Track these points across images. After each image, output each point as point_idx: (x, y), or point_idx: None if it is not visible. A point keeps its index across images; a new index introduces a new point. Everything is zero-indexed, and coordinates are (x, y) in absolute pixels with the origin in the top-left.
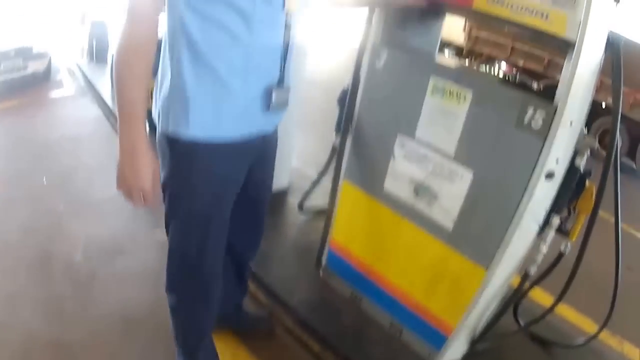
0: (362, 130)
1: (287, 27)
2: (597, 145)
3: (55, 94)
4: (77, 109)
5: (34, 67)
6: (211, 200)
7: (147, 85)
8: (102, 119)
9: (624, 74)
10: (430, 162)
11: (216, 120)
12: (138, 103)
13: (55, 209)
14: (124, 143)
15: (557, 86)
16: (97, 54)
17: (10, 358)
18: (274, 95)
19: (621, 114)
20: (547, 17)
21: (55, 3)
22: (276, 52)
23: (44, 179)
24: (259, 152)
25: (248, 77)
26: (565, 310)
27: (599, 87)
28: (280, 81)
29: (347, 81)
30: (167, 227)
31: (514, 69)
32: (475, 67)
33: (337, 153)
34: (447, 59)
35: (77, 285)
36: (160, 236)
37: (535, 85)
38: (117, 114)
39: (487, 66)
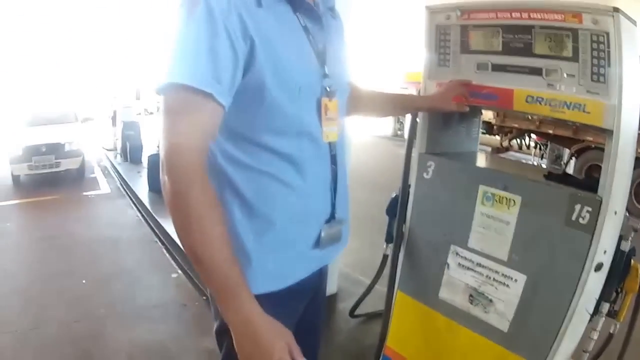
0: (414, 241)
1: (333, 158)
2: (639, 226)
3: (90, 192)
4: (114, 209)
5: (67, 164)
6: None
7: (225, 233)
8: (140, 221)
9: None
10: (484, 269)
11: (279, 271)
12: (226, 268)
13: (96, 312)
14: (235, 321)
15: (588, 148)
16: (131, 155)
17: None
18: (322, 232)
19: None
20: (584, 108)
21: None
22: (326, 187)
23: (84, 281)
24: (317, 285)
25: (308, 222)
26: None
27: None
28: (332, 216)
29: (387, 185)
30: None
31: (544, 138)
32: (506, 143)
33: (390, 264)
34: (490, 157)
35: None
36: (208, 344)
37: (566, 154)
38: (206, 284)
39: (518, 141)
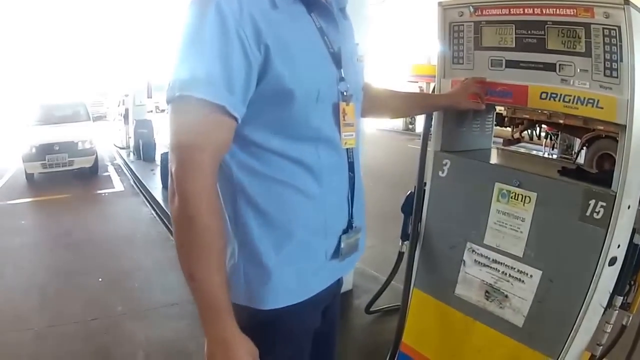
0: (430, 238)
1: (350, 165)
2: None
3: (103, 190)
4: (128, 207)
5: (80, 163)
6: (296, 357)
7: (222, 260)
8: (155, 219)
9: None
10: (500, 265)
11: (299, 284)
12: (217, 291)
13: (113, 309)
14: (213, 336)
15: (599, 137)
16: (144, 153)
17: None
18: (342, 243)
19: None
20: (597, 104)
21: (97, 100)
22: (344, 196)
23: (100, 279)
24: (335, 291)
25: (326, 232)
26: None
27: None
28: (349, 226)
29: (399, 181)
30: None
31: (555, 128)
32: (518, 135)
33: (407, 262)
34: (503, 154)
35: None
36: None
37: (577, 144)
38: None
39: (529, 132)
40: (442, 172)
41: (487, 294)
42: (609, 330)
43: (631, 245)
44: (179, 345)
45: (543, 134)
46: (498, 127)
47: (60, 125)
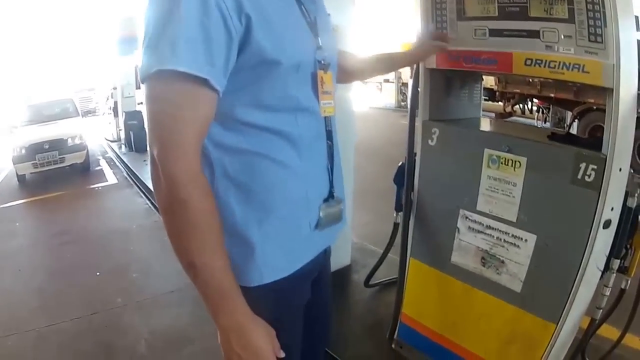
0: (423, 207)
1: (328, 133)
2: None
3: (97, 185)
4: (123, 199)
5: (72, 159)
6: (289, 332)
7: (222, 241)
8: (150, 209)
9: None
10: (494, 231)
11: (284, 258)
12: (221, 275)
13: (112, 303)
14: (225, 324)
15: (590, 110)
16: (136, 144)
17: None
18: (322, 212)
19: None
20: (583, 69)
21: (86, 96)
22: (323, 165)
23: (98, 273)
24: (322, 263)
25: (308, 203)
26: (630, 339)
27: None
28: (330, 195)
29: (393, 155)
30: None
31: (546, 102)
32: (509, 109)
33: (401, 232)
34: (492, 122)
35: None
36: None
37: (569, 116)
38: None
39: (521, 106)
40: (432, 141)
41: (483, 261)
42: (607, 293)
43: (625, 208)
44: (180, 332)
45: (535, 108)
46: (490, 102)
47: (49, 124)
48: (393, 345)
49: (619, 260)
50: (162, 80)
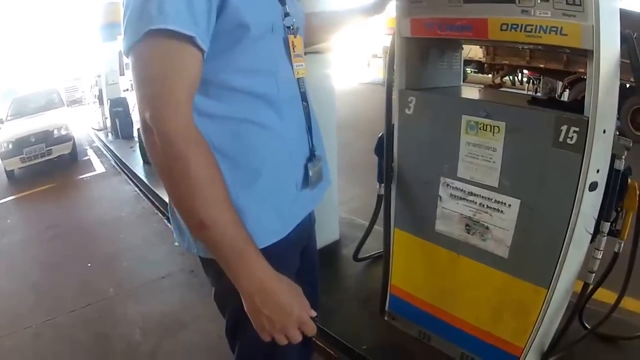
0: (404, 177)
1: (303, 95)
2: (630, 144)
3: (85, 175)
4: (111, 187)
5: (59, 150)
6: None
7: (227, 194)
8: (139, 196)
9: None
10: (476, 197)
11: (275, 221)
12: (235, 231)
13: (106, 292)
14: (247, 285)
15: (580, 79)
16: (122, 132)
17: None
18: (310, 171)
19: None
20: (561, 31)
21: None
22: (302, 125)
23: (89, 264)
24: (309, 231)
25: (292, 163)
26: (628, 302)
27: (621, 69)
28: (312, 155)
29: (377, 127)
30: (230, 337)
31: (536, 73)
32: (498, 80)
33: (384, 203)
34: (473, 89)
35: None
36: None
37: (559, 86)
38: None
39: (510, 77)
40: (409, 110)
41: (467, 227)
42: (599, 257)
43: (612, 171)
44: (173, 317)
45: (525, 79)
46: (479, 75)
47: (35, 116)
48: (385, 318)
49: (609, 224)
50: (150, 42)
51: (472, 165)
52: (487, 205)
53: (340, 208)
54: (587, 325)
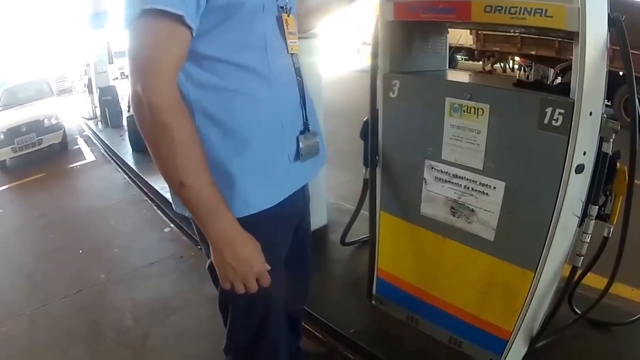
0: (389, 161)
1: (297, 70)
2: (618, 127)
3: (75, 164)
4: (101, 176)
5: (49, 140)
6: (273, 269)
7: (205, 161)
8: (128, 184)
9: (634, 37)
10: (461, 180)
11: (265, 189)
12: (210, 190)
13: (97, 279)
14: (217, 239)
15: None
16: (111, 120)
17: None
18: (301, 143)
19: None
20: (546, 13)
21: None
22: (295, 99)
23: (80, 251)
24: (302, 208)
25: (283, 134)
26: (618, 288)
27: (613, 57)
28: (306, 128)
29: (366, 114)
30: (222, 304)
31: (528, 60)
32: (489, 67)
33: (369, 186)
34: (459, 73)
35: (132, 349)
36: (209, 291)
37: (551, 74)
38: (186, 209)
39: (502, 64)
40: (393, 93)
41: (452, 210)
42: (587, 240)
43: (600, 154)
44: (163, 302)
45: (516, 66)
46: (470, 62)
47: (25, 106)
48: (373, 302)
49: (597, 207)
50: (143, 21)
51: (457, 147)
52: (472, 188)
53: (328, 194)
54: (577, 310)
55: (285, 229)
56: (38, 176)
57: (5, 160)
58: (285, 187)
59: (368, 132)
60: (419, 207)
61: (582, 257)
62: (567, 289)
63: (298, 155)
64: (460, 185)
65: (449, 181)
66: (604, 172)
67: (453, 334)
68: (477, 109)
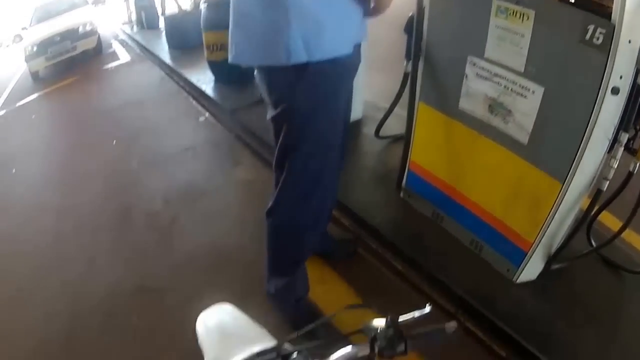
0: (432, 54)
1: None
2: None
3: (110, 65)
4: (137, 74)
5: (84, 46)
6: (337, 117)
7: None
8: (164, 79)
9: None
10: (502, 79)
11: (349, 39)
12: None
13: (130, 167)
14: None
15: None
16: (147, 23)
17: (98, 305)
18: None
19: None
20: None
21: None
22: None
23: (114, 142)
24: (358, 64)
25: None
26: (633, 237)
27: None
28: None
29: (411, 11)
30: (279, 161)
31: None
32: None
33: (410, 78)
34: None
35: (160, 231)
36: (239, 175)
37: None
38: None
39: None
40: None
41: (490, 108)
42: (614, 165)
43: (635, 85)
44: (194, 186)
45: None
46: None
47: (58, 18)
48: (401, 194)
49: (627, 134)
50: None
51: (500, 47)
52: (512, 89)
53: (365, 92)
54: (593, 243)
55: (350, 76)
56: (71, 80)
57: (38, 71)
58: (357, 37)
59: (412, 26)
60: (457, 101)
61: (607, 181)
62: (588, 214)
63: (367, 12)
64: (500, 85)
65: (490, 79)
66: (637, 102)
67: (475, 236)
68: (523, 13)
